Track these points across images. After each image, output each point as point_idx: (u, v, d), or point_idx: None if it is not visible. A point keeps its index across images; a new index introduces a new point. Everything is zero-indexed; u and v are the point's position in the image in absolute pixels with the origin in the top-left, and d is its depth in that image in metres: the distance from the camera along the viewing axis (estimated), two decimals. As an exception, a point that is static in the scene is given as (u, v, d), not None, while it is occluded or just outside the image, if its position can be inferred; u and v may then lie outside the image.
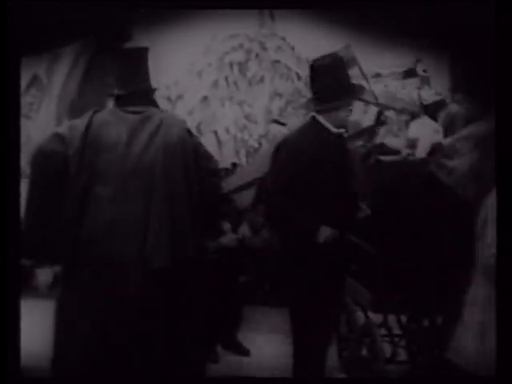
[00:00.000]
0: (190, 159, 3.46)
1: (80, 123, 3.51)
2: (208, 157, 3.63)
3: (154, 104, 3.64)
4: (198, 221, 3.44)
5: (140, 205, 3.35)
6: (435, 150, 4.48)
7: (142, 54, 3.69)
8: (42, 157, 3.46)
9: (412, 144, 5.45)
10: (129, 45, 3.91)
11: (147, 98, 3.63)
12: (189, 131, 3.57)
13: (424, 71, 8.66)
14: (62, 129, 3.56)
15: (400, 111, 7.67)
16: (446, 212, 4.32)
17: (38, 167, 3.46)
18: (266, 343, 5.57)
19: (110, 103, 3.76)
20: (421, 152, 5.09)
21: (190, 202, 3.41)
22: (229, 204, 5.43)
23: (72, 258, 3.38)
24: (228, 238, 5.57)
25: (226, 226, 5.63)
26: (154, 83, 3.70)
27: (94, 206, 3.37)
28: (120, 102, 3.61)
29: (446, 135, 4.81)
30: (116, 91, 3.64)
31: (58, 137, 3.48)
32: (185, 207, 3.39)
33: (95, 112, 3.56)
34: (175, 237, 3.34)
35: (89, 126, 3.47)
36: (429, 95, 8.37)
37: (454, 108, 4.43)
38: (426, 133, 5.46)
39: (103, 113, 3.56)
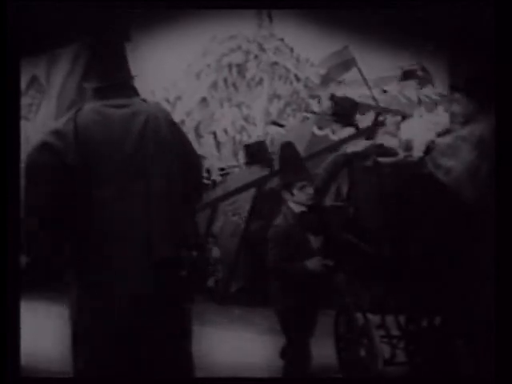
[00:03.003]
0: (179, 153, 3.46)
1: (65, 129, 3.40)
2: (194, 153, 3.64)
3: (136, 92, 3.60)
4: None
5: (140, 201, 3.36)
6: (430, 148, 4.48)
7: (119, 42, 3.67)
8: (35, 171, 3.36)
9: (407, 145, 5.46)
10: (109, 37, 3.86)
11: (128, 87, 3.60)
12: (175, 124, 3.55)
13: (424, 71, 8.68)
14: (48, 137, 3.40)
15: (395, 112, 7.70)
16: (445, 212, 4.32)
17: (32, 182, 3.42)
18: (266, 344, 5.56)
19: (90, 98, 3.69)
20: (417, 152, 5.10)
21: (185, 193, 3.42)
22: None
23: (82, 263, 3.38)
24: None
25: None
26: (133, 70, 3.67)
27: (97, 209, 3.37)
28: (101, 94, 3.51)
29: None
30: (96, 84, 3.59)
31: (46, 146, 3.36)
32: (181, 199, 3.40)
33: (77, 113, 3.45)
34: (176, 228, 3.36)
35: (76, 131, 3.38)
36: (431, 93, 8.40)
37: (453, 107, 4.43)
38: (418, 132, 5.47)
39: (86, 112, 3.45)
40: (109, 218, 3.35)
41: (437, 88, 9.08)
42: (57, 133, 3.41)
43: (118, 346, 3.32)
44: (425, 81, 9.14)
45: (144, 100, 3.59)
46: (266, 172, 8.22)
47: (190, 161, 3.54)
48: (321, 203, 5.53)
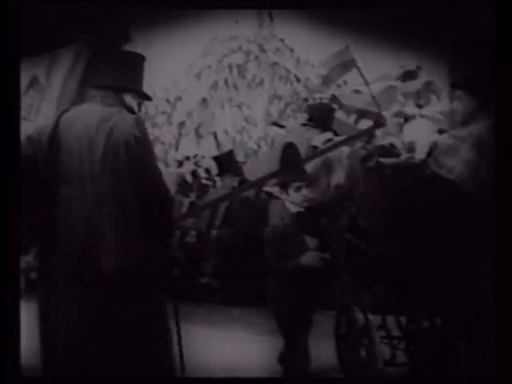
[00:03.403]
0: (136, 164, 3.47)
1: (48, 124, 3.59)
2: (152, 166, 3.60)
3: (130, 109, 3.70)
4: (147, 222, 3.46)
5: (94, 207, 3.42)
6: (433, 149, 4.48)
7: (140, 60, 3.83)
8: (24, 163, 3.51)
9: (410, 147, 5.46)
10: (128, 48, 4.00)
11: (123, 99, 3.70)
12: (136, 137, 3.52)
13: (424, 73, 8.69)
14: (32, 131, 3.61)
15: (396, 114, 7.70)
16: (445, 213, 4.32)
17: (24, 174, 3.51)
18: (266, 344, 5.57)
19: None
20: (420, 154, 5.10)
21: (138, 204, 3.43)
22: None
23: (46, 259, 3.48)
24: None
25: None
26: (146, 90, 3.82)
27: (59, 206, 3.46)
28: (98, 98, 3.67)
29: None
30: (107, 82, 3.70)
31: (29, 140, 3.55)
32: (132, 209, 3.42)
33: (64, 112, 3.64)
34: (125, 239, 3.39)
35: (56, 127, 3.55)
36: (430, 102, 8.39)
37: (454, 104, 4.43)
38: (422, 134, 5.47)
39: (70, 116, 3.62)
40: (66, 218, 3.43)
41: (436, 89, 9.09)
42: (40, 127, 3.62)
43: (87, 344, 3.38)
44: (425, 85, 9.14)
45: (126, 110, 3.66)
46: (236, 181, 8.23)
47: (155, 191, 3.52)
48: (317, 206, 5.54)
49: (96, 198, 3.41)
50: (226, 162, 8.51)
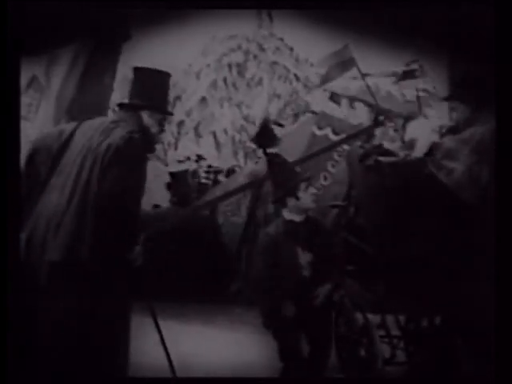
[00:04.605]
0: (104, 169, 3.53)
1: (66, 130, 3.71)
2: (121, 178, 3.59)
3: (145, 128, 3.76)
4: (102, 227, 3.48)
5: (65, 200, 3.50)
6: (433, 149, 4.48)
7: (165, 78, 3.92)
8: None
9: (410, 145, 5.45)
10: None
11: (141, 117, 3.77)
12: (118, 147, 3.56)
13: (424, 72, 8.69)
14: (55, 127, 3.74)
15: (398, 113, 7.70)
16: (445, 212, 4.32)
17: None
18: (266, 343, 5.57)
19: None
20: (419, 152, 5.09)
21: (100, 209, 3.48)
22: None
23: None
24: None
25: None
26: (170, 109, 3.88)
27: (43, 195, 3.56)
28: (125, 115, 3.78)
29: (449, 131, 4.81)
30: (129, 100, 3.80)
31: (52, 134, 3.73)
32: (93, 213, 3.46)
33: (86, 120, 3.76)
34: (73, 236, 3.43)
35: (76, 127, 3.71)
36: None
37: (455, 105, 4.43)
38: (423, 133, 5.46)
39: (86, 127, 3.73)
40: (45, 206, 3.52)
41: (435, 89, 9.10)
42: (59, 132, 3.71)
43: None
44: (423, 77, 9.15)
45: (146, 131, 3.73)
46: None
47: (112, 198, 3.53)
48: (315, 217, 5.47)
49: (71, 191, 3.49)
50: (178, 181, 8.42)
